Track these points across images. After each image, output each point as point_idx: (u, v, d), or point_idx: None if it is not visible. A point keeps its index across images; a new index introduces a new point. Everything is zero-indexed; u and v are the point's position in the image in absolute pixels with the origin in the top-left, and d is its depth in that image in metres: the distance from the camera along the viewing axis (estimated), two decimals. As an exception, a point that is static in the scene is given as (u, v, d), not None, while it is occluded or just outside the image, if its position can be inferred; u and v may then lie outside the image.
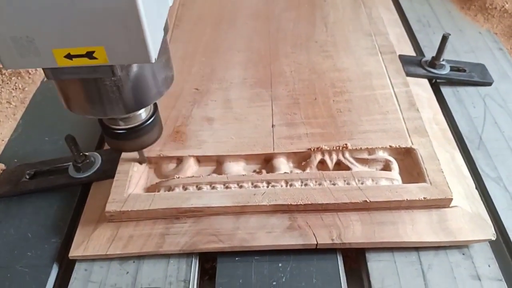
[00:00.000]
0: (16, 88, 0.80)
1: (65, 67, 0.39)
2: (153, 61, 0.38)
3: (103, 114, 0.47)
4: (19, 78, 0.82)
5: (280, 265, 0.53)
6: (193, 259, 0.54)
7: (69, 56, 0.38)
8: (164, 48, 0.46)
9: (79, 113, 0.48)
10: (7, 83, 0.80)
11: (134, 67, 0.44)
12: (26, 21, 0.36)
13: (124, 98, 0.45)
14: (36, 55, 0.38)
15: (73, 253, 0.54)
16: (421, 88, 0.73)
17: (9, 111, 0.76)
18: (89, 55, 0.38)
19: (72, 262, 0.54)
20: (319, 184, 0.56)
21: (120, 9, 0.35)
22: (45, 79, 0.72)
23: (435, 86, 0.76)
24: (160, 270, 0.53)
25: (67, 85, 0.45)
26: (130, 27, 0.36)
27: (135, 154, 0.61)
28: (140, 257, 0.54)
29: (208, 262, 0.57)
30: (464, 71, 0.76)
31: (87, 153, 0.62)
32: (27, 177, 0.63)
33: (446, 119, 0.69)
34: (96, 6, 0.35)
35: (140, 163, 0.61)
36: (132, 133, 0.52)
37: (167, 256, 0.54)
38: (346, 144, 0.60)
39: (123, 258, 0.54)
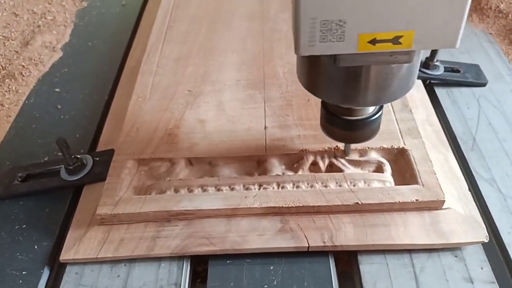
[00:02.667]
0: (9, 90, 0.80)
1: (364, 52, 0.37)
2: (457, 46, 0.37)
3: (361, 103, 0.45)
4: (12, 80, 0.82)
5: (271, 268, 0.52)
6: (185, 262, 0.53)
7: (373, 41, 0.37)
8: None
9: (332, 100, 0.46)
10: (0, 85, 0.80)
11: (417, 54, 0.41)
12: (343, 4, 0.35)
13: (391, 87, 0.43)
14: (339, 40, 0.37)
15: (64, 256, 0.54)
16: (414, 89, 0.71)
17: (2, 113, 0.76)
18: (395, 40, 0.36)
19: (63, 266, 0.54)
20: (311, 186, 0.56)
21: None
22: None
23: (429, 87, 0.76)
24: (152, 274, 0.52)
25: (342, 72, 0.42)
26: (454, 9, 0.34)
27: (128, 156, 0.61)
28: (131, 260, 0.54)
29: (200, 265, 0.57)
30: (459, 71, 0.76)
31: (78, 156, 0.62)
32: (19, 179, 0.62)
33: (440, 120, 0.69)
34: None
35: (346, 155, 0.60)
36: (361, 125, 0.50)
37: (158, 259, 0.53)
38: (337, 146, 0.60)
39: (114, 261, 0.54)
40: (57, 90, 0.80)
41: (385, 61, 0.39)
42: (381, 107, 0.51)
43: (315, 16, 0.36)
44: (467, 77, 0.75)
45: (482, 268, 0.51)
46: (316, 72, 0.44)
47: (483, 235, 0.52)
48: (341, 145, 0.60)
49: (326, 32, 0.36)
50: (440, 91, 0.74)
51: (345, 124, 0.51)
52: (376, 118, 0.51)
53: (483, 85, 0.75)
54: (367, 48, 0.37)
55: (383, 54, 0.38)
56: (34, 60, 0.87)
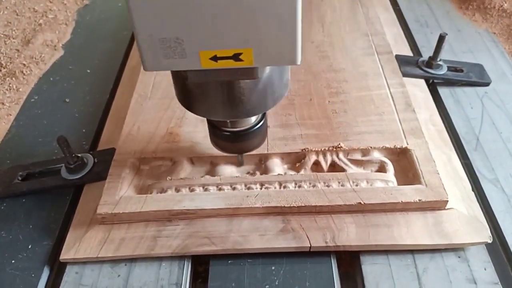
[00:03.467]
0: (10, 89, 0.79)
1: (208, 69, 0.39)
2: (299, 63, 0.38)
3: (228, 116, 0.46)
4: (13, 79, 0.81)
5: (273, 268, 0.52)
6: (186, 262, 0.53)
7: (214, 58, 0.38)
8: None
9: (202, 114, 0.47)
10: (1, 84, 0.80)
11: (267, 70, 0.43)
12: (178, 22, 0.35)
13: (252, 101, 0.45)
14: (181, 57, 0.38)
15: (64, 255, 0.53)
16: (418, 89, 0.72)
17: (2, 112, 0.75)
18: (236, 57, 0.37)
19: (64, 265, 0.54)
20: (313, 186, 0.56)
21: (279, 10, 0.34)
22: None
23: (432, 86, 0.75)
24: (152, 273, 0.52)
25: (197, 86, 0.44)
26: (286, 28, 0.35)
27: (129, 155, 0.60)
28: (132, 260, 0.53)
29: (201, 265, 0.57)
30: (462, 71, 0.75)
31: (79, 155, 0.61)
32: (19, 178, 0.62)
33: (443, 120, 0.69)
34: (253, 6, 0.34)
35: (239, 166, 0.61)
36: (241, 136, 0.52)
37: (159, 259, 0.53)
38: (340, 144, 0.59)
39: (115, 261, 0.53)
40: (58, 89, 0.80)
41: (231, 77, 0.40)
42: (263, 115, 0.52)
43: (152, 33, 0.36)
44: (471, 76, 0.74)
45: (485, 269, 0.51)
46: (184, 89, 0.46)
47: (486, 236, 0.52)
48: (344, 145, 0.60)
49: (166, 49, 0.37)
50: (443, 91, 0.74)
51: (231, 136, 0.52)
52: (260, 126, 0.52)
53: (487, 84, 0.74)
54: (210, 65, 0.38)
55: (228, 71, 0.39)
56: (35, 58, 0.86)
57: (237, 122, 0.50)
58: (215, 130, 0.52)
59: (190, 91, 0.45)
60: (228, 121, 0.50)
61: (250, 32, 0.36)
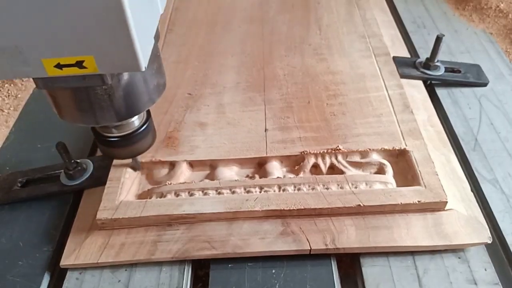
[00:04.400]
0: (9, 95, 0.80)
1: (55, 76, 0.39)
2: (143, 69, 0.38)
3: (94, 122, 0.47)
4: (12, 85, 0.81)
5: (273, 271, 0.52)
6: (186, 266, 0.53)
7: (59, 66, 0.37)
8: (155, 55, 0.46)
9: (71, 121, 0.47)
10: (0, 90, 0.80)
11: (125, 75, 0.43)
12: (13, 31, 0.35)
13: (116, 106, 0.45)
14: (26, 65, 0.37)
15: (65, 261, 0.53)
16: (415, 90, 0.72)
17: (1, 118, 0.76)
18: (79, 64, 0.37)
19: (64, 271, 0.54)
20: (312, 189, 0.56)
21: (107, 15, 0.34)
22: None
23: (430, 87, 0.75)
24: (153, 278, 0.52)
25: (58, 94, 0.45)
26: (118, 35, 0.35)
27: (127, 160, 0.60)
28: (132, 265, 0.53)
29: (202, 269, 0.57)
30: (459, 72, 0.75)
31: (78, 160, 0.61)
32: (19, 185, 0.62)
33: (441, 120, 0.69)
34: (84, 13, 0.34)
35: (134, 169, 0.61)
36: (125, 140, 0.52)
37: (160, 263, 0.53)
38: (338, 147, 0.60)
39: (115, 266, 0.53)
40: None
41: (81, 84, 0.41)
42: (147, 117, 0.53)
43: None
44: (468, 77, 0.75)
45: (485, 270, 0.51)
46: (51, 97, 0.45)
47: (486, 236, 0.52)
48: (342, 147, 0.60)
49: (9, 58, 0.37)
50: (441, 92, 0.74)
51: (111, 142, 0.52)
52: (146, 127, 0.53)
53: (484, 85, 0.74)
54: (56, 72, 0.38)
55: (75, 78, 0.39)
56: (34, 64, 0.86)
57: (122, 126, 0.51)
58: (101, 137, 0.52)
59: (52, 98, 0.45)
60: (111, 127, 0.51)
61: (88, 39, 0.36)
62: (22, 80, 0.82)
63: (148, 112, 0.53)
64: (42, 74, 0.38)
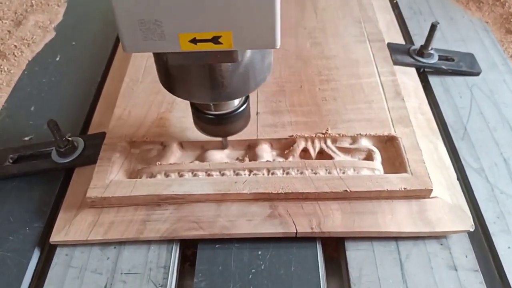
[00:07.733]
0: (1, 71, 0.79)
1: (187, 51, 0.39)
2: (278, 46, 0.38)
3: (210, 99, 0.47)
4: (4, 60, 0.81)
5: (259, 252, 0.53)
6: (174, 245, 0.54)
7: (194, 41, 0.38)
8: None
9: (185, 97, 0.48)
10: (-8, 65, 0.80)
11: (248, 52, 0.43)
12: (157, 4, 0.36)
13: (234, 84, 0.45)
14: (160, 39, 0.38)
15: (54, 238, 0.54)
16: (408, 77, 0.73)
17: (-7, 94, 0.75)
18: (215, 40, 0.38)
19: (54, 247, 0.55)
20: (301, 173, 0.56)
21: None
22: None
23: (423, 75, 0.76)
24: (141, 256, 0.53)
25: (178, 69, 0.44)
26: (264, 11, 0.36)
27: (120, 139, 0.61)
28: (121, 243, 0.54)
29: (189, 248, 0.57)
30: (453, 60, 0.76)
31: (70, 138, 0.62)
32: (10, 161, 0.63)
33: (432, 108, 0.69)
34: None
35: (223, 148, 0.61)
36: (223, 119, 0.52)
37: (148, 242, 0.54)
38: (328, 130, 0.60)
39: (104, 244, 0.54)
40: (49, 71, 0.79)
41: (211, 60, 0.41)
42: (246, 98, 0.53)
43: (131, 15, 0.37)
44: (461, 66, 0.75)
45: (466, 256, 0.52)
46: (166, 71, 0.46)
47: (469, 224, 0.53)
48: (332, 131, 0.60)
49: (146, 31, 0.38)
50: (433, 80, 0.74)
51: (215, 119, 0.53)
52: (243, 110, 0.53)
53: (477, 74, 0.75)
54: (190, 47, 0.38)
55: (207, 53, 0.40)
56: (27, 40, 0.86)
57: (220, 105, 0.51)
58: (198, 113, 0.53)
59: (171, 73, 0.46)
60: (211, 104, 0.51)
61: (229, 15, 0.36)
62: (15, 56, 0.82)
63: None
64: (175, 48, 0.38)
